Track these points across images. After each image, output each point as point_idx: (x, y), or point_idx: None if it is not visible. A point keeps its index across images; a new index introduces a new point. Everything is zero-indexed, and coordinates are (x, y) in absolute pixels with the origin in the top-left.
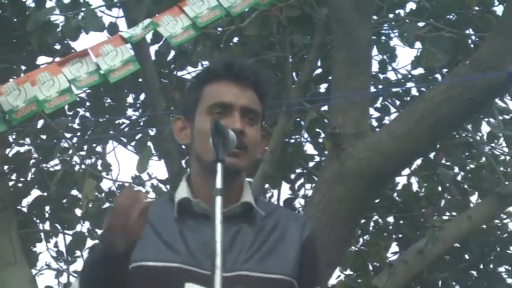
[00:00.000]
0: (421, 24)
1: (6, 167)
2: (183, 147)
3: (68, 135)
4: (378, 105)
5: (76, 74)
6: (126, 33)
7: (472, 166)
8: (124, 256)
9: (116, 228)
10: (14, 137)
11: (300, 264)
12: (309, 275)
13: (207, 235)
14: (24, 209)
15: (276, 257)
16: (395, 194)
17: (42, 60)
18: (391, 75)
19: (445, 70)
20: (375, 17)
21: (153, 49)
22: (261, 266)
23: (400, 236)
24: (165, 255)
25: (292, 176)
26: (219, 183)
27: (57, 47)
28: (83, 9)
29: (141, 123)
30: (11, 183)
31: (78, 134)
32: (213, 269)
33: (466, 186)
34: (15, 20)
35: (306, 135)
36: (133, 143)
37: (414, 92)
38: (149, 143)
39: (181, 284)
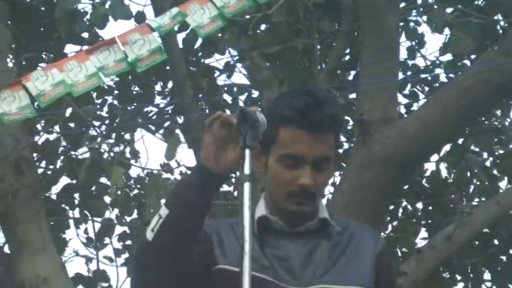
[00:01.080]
0: (449, 10)
1: (35, 155)
2: None
3: (96, 123)
4: (407, 91)
5: (104, 62)
6: (154, 22)
7: (501, 152)
8: (213, 177)
9: (212, 142)
10: (42, 124)
11: (375, 275)
12: (384, 284)
13: (285, 250)
14: (53, 197)
15: (353, 269)
16: (424, 180)
17: (69, 48)
18: (420, 62)
19: (473, 56)
20: (403, 4)
21: (180, 37)
22: (339, 278)
23: (429, 222)
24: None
25: None
26: (246, 169)
27: (85, 35)
28: None
29: (169, 111)
30: (40, 171)
31: (107, 122)
32: (241, 253)
33: (494, 172)
34: (42, 8)
35: None
36: (161, 131)
37: (443, 78)
38: (177, 131)
39: None
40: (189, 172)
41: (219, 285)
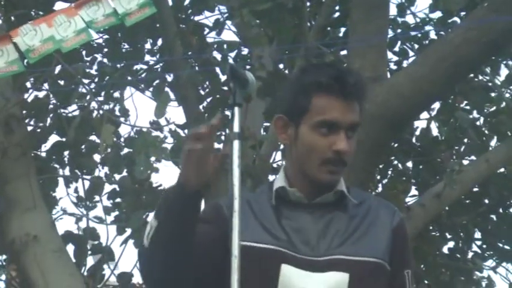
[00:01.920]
0: None
1: (24, 112)
2: (201, 92)
3: (85, 81)
4: (397, 49)
5: (93, 16)
6: None
7: (491, 110)
8: (194, 194)
9: (192, 157)
10: (32, 82)
11: (391, 250)
12: (399, 259)
13: (302, 222)
14: (43, 155)
15: (369, 241)
16: (414, 139)
17: (59, 6)
18: (410, 19)
19: (463, 13)
20: None
21: None
22: (354, 250)
23: (419, 180)
24: (263, 238)
25: None
26: (236, 127)
27: None
28: None
29: (159, 69)
30: (29, 129)
31: (96, 79)
32: (231, 211)
33: (484, 130)
34: None
35: None
36: (150, 89)
37: (432, 35)
38: (167, 89)
39: (278, 265)
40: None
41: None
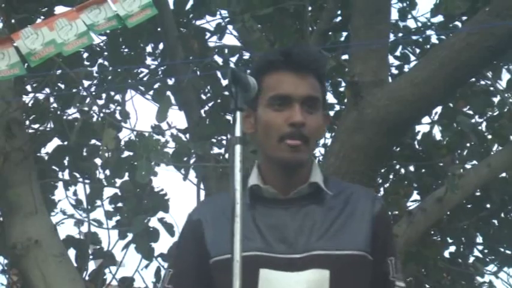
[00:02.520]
0: None
1: (24, 116)
2: (202, 96)
3: (86, 82)
4: (398, 53)
5: (94, 20)
6: None
7: (493, 114)
8: None
9: None
10: (33, 85)
11: (372, 238)
12: (381, 247)
13: (278, 218)
14: (44, 157)
15: (348, 233)
16: (415, 143)
17: (60, 10)
18: (411, 23)
19: (464, 17)
20: None
21: None
22: (334, 244)
23: (421, 184)
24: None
25: None
26: (237, 132)
27: None
28: None
29: (159, 73)
30: (30, 133)
31: (96, 82)
32: (232, 216)
33: (486, 135)
34: None
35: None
36: (151, 92)
37: (434, 39)
38: (168, 93)
39: (256, 271)
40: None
41: (218, 278)
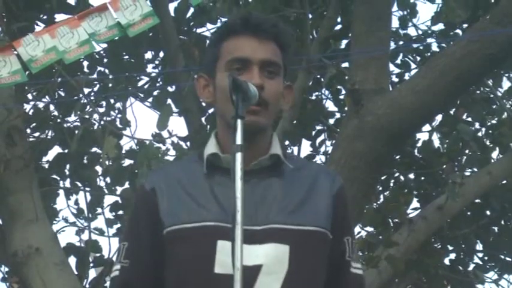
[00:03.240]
0: None
1: (25, 124)
2: (203, 104)
3: (86, 90)
4: (399, 61)
5: (95, 28)
6: None
7: (493, 122)
8: None
9: None
10: (34, 93)
11: (332, 216)
12: (339, 226)
13: None
14: (45, 165)
15: (308, 209)
16: (415, 151)
17: (61, 18)
18: (412, 31)
19: (465, 25)
20: None
21: (172, 6)
22: (294, 218)
23: (421, 192)
24: (197, 216)
25: (313, 133)
26: (239, 140)
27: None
28: None
29: (160, 80)
30: (31, 141)
31: (95, 89)
32: (233, 224)
33: (486, 142)
34: None
35: (325, 92)
36: (150, 99)
37: (434, 47)
38: (169, 100)
39: (214, 242)
40: (180, 142)
41: (173, 248)
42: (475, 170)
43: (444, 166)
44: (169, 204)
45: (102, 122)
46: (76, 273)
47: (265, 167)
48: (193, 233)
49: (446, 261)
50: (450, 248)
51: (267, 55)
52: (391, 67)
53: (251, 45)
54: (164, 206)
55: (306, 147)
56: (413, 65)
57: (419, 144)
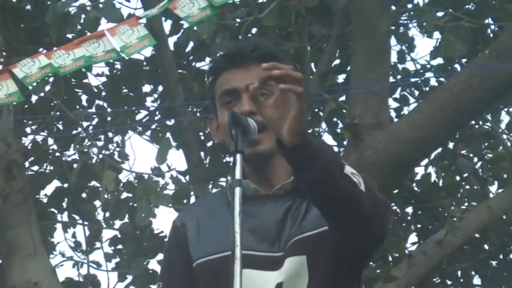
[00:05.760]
0: (440, 14)
1: (24, 157)
2: (202, 138)
3: (85, 123)
4: (397, 95)
5: (93, 52)
6: (143, 13)
7: (492, 156)
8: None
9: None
10: (33, 127)
11: None
12: None
13: (260, 215)
14: (43, 199)
15: (313, 214)
16: (414, 184)
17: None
18: (410, 66)
19: (464, 60)
20: (393, 7)
21: (171, 40)
22: (304, 228)
23: (419, 226)
24: (220, 246)
25: None
26: (238, 175)
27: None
28: (102, 0)
29: (158, 114)
30: (30, 174)
31: (94, 123)
32: (232, 259)
33: (485, 176)
34: (33, 11)
35: (324, 126)
36: (148, 133)
37: (433, 82)
38: (168, 134)
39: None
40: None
41: (202, 278)
42: (474, 204)
43: (443, 201)
44: (196, 238)
45: (100, 156)
46: None
47: (289, 190)
48: (217, 263)
49: None
50: (449, 282)
51: (251, 80)
52: (390, 101)
53: (236, 75)
54: (193, 240)
55: None
56: (411, 100)
57: (417, 177)
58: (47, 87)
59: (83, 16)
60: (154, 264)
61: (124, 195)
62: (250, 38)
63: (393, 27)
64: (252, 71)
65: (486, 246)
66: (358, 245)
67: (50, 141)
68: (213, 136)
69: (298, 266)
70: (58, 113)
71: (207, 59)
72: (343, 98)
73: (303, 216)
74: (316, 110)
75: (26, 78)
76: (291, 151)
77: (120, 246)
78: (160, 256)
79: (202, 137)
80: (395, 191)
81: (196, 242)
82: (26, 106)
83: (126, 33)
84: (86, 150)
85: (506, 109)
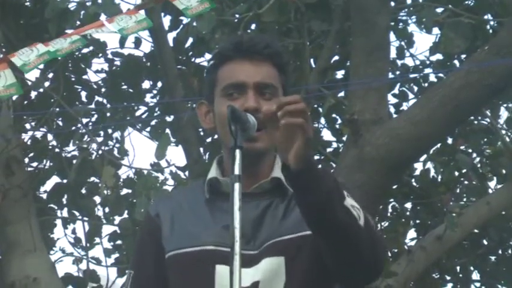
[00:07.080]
0: (439, 9)
1: (23, 153)
2: (202, 133)
3: (84, 120)
4: (396, 91)
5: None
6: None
7: (491, 151)
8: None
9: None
10: (32, 123)
11: None
12: None
13: None
14: (43, 195)
15: (294, 217)
16: (413, 180)
17: None
18: (409, 62)
19: (463, 56)
20: (392, 3)
21: (171, 36)
22: (284, 230)
23: (418, 222)
24: (197, 240)
25: None
26: (237, 170)
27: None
28: None
29: (158, 110)
30: (29, 171)
31: (94, 119)
32: (232, 254)
33: (484, 172)
34: (33, 7)
35: (323, 122)
36: (148, 128)
37: (432, 78)
38: (167, 130)
39: (212, 267)
40: (179, 172)
41: (175, 270)
42: (473, 199)
43: (442, 196)
44: (170, 229)
45: (100, 152)
46: None
47: (267, 189)
48: (193, 257)
49: None
50: (448, 277)
51: (261, 78)
52: (389, 97)
53: (245, 69)
54: (166, 231)
55: None
56: (411, 95)
57: (416, 173)
58: (47, 83)
59: (82, 12)
60: None
61: (124, 191)
62: (250, 34)
63: (392, 23)
64: (261, 68)
65: (485, 242)
66: (347, 277)
67: (50, 137)
68: (201, 122)
69: (275, 266)
70: (58, 109)
71: (207, 55)
72: (342, 94)
73: (282, 217)
74: (316, 105)
75: (24, 66)
76: (296, 176)
77: (119, 242)
78: None
79: (201, 133)
80: (395, 187)
81: (170, 234)
82: (25, 102)
83: (124, 19)
84: (85, 146)
85: (505, 105)
